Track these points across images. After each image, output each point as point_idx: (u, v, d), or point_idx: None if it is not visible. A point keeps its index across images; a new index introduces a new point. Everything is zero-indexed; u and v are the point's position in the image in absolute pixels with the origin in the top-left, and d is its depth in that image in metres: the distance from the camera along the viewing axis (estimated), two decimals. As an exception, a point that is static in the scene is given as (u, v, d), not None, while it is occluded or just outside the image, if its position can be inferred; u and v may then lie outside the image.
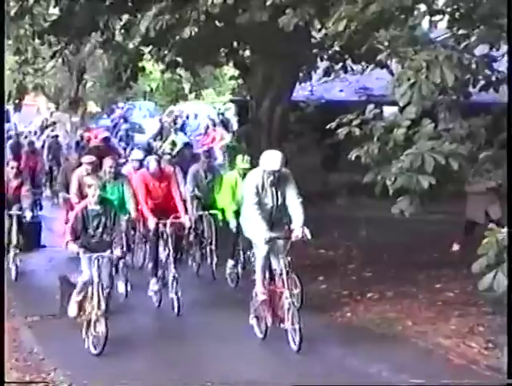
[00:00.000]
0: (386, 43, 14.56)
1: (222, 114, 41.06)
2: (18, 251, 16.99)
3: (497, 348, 11.97)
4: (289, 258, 12.65)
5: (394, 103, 13.68)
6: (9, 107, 47.23)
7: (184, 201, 16.40)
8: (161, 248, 15.46)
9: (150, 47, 22.70)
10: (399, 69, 13.76)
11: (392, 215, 12.33)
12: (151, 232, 15.58)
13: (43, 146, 30.40)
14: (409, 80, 12.40)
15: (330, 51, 22.16)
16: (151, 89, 53.90)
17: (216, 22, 17.76)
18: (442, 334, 12.76)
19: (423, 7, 13.97)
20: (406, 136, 12.82)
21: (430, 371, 11.19)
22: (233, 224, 16.17)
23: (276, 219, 12.95)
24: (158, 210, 15.47)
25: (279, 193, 12.76)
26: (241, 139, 26.58)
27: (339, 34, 14.08)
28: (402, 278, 12.42)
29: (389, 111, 14.59)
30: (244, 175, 15.17)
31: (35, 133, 35.64)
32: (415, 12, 13.55)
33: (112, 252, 12.87)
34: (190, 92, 51.61)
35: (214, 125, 39.20)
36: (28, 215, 17.11)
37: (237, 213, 15.37)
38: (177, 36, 17.07)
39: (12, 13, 19.39)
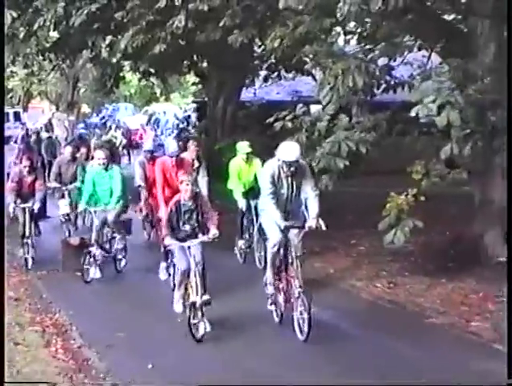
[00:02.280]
0: (311, 56, 14.70)
1: (186, 112, 40.98)
2: (29, 241, 14.18)
3: (397, 287, 12.13)
4: (301, 247, 10.30)
5: (318, 102, 13.82)
6: (19, 109, 47.18)
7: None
8: None
9: (129, 60, 22.67)
10: (321, 76, 13.90)
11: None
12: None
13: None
14: (329, 84, 12.51)
15: (268, 63, 22.26)
16: (130, 94, 53.87)
17: (180, 41, 17.71)
18: (355, 278, 12.85)
19: (338, 28, 14.09)
20: (327, 128, 12.91)
21: (347, 307, 11.23)
22: (241, 204, 13.99)
23: (291, 209, 10.39)
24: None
25: (295, 184, 10.26)
26: (202, 131, 26.55)
27: (275, 49, 14.18)
28: (326, 237, 12.45)
29: (314, 108, 14.65)
30: (247, 159, 13.91)
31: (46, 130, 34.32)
32: (333, 32, 13.64)
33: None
34: (161, 96, 51.65)
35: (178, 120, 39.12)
36: (36, 206, 14.37)
37: (245, 194, 13.88)
38: (150, 52, 17.03)
39: (21, 36, 19.24)
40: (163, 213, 11.90)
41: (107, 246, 13.69)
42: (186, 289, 10.41)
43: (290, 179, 10.23)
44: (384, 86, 13.69)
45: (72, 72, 41.12)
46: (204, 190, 13.66)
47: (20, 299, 11.96)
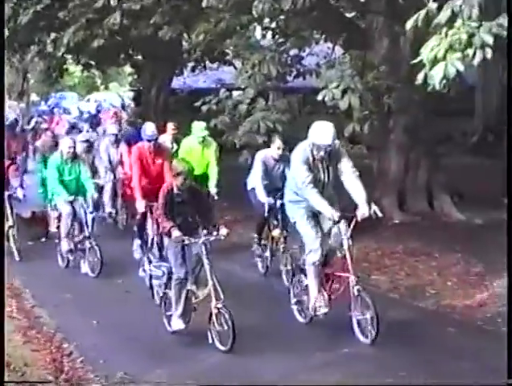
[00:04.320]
0: (232, 48, 14.69)
1: (123, 100, 40.49)
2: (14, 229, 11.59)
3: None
4: (351, 240, 7.78)
5: (239, 88, 13.85)
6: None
7: None
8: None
9: (72, 54, 22.30)
10: (241, 66, 13.93)
11: (239, 163, 12.40)
12: (138, 214, 10.47)
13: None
14: (247, 72, 12.56)
15: (195, 55, 22.15)
16: (74, 84, 52.94)
17: (117, 36, 17.46)
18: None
19: (255, 24, 14.08)
20: (247, 109, 12.94)
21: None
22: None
23: (327, 197, 7.82)
24: (150, 191, 9.99)
25: (331, 168, 7.89)
26: (138, 116, 26.32)
27: (200, 43, 14.13)
28: (248, 207, 12.43)
29: (236, 93, 14.63)
30: (203, 142, 11.84)
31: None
32: (250, 27, 13.62)
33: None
34: (101, 85, 50.89)
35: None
36: (20, 193, 11.71)
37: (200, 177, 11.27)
38: (90, 46, 16.77)
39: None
40: (141, 206, 10.06)
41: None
42: (187, 297, 7.92)
43: (325, 163, 7.85)
44: (295, 73, 13.85)
45: (21, 65, 40.26)
46: None
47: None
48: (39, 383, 7.05)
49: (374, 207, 7.81)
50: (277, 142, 10.12)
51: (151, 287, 9.12)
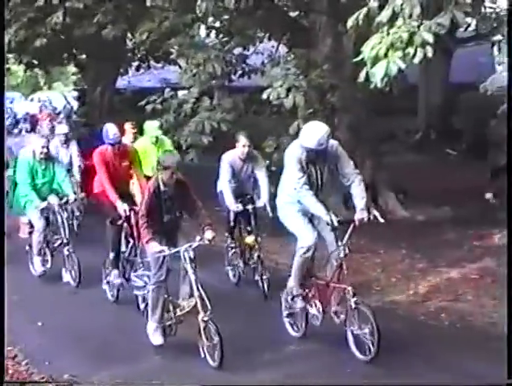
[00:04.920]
0: (176, 47, 14.63)
1: (67, 99, 40.04)
2: None
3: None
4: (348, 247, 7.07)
5: (183, 87, 13.81)
6: None
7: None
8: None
9: (13, 53, 21.96)
10: (185, 65, 13.89)
11: (187, 163, 12.33)
12: (114, 219, 9.09)
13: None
14: (192, 71, 12.54)
15: (139, 54, 22.02)
16: (17, 84, 52.21)
17: (60, 35, 17.26)
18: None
19: (200, 23, 14.06)
20: (192, 109, 12.92)
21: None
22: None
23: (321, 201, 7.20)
24: (119, 194, 9.08)
25: (325, 172, 7.28)
26: (83, 116, 26.05)
27: (144, 41, 14.08)
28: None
29: (181, 93, 14.59)
30: (156, 142, 11.06)
31: None
32: (195, 26, 13.60)
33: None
34: (44, 85, 50.24)
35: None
36: None
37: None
38: (32, 45, 16.54)
39: None
40: (125, 210, 8.85)
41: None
42: (163, 308, 7.39)
43: (318, 166, 7.25)
44: (240, 72, 13.88)
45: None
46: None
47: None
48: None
49: (375, 212, 7.19)
50: (242, 140, 9.30)
51: (136, 298, 8.28)
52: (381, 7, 7.13)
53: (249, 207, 9.17)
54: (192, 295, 7.10)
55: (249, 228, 9.32)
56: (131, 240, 9.05)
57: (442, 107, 19.39)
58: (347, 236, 7.06)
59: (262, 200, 9.15)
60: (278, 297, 7.89)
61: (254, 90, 13.48)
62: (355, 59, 7.35)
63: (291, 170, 7.22)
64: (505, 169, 12.82)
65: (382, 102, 13.79)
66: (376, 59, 6.85)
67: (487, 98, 16.92)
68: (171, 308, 7.37)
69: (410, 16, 6.83)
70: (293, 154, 7.23)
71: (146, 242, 7.21)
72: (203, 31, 14.55)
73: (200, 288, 6.97)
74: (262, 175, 9.33)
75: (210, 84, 13.01)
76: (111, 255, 9.18)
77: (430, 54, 6.71)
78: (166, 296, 7.37)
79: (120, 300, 9.06)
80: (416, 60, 6.77)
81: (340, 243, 7.07)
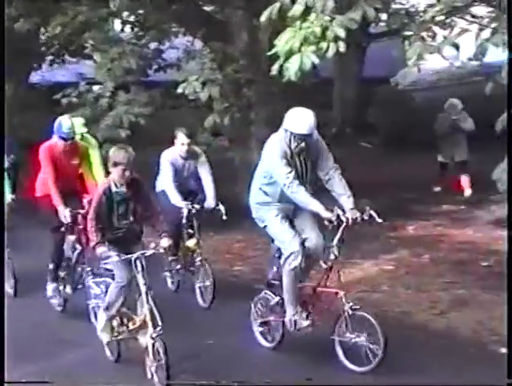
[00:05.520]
0: (91, 42, 14.43)
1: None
2: None
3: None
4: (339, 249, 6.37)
5: (99, 82, 13.65)
6: None
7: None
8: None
9: None
10: (100, 59, 13.71)
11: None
12: (55, 226, 8.09)
13: None
14: (106, 66, 12.40)
15: (53, 48, 21.62)
16: None
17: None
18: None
19: (114, 18, 13.89)
20: (109, 103, 12.79)
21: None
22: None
23: None
24: (64, 196, 8.01)
25: (309, 164, 6.55)
26: None
27: (57, 35, 13.84)
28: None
29: (96, 87, 14.40)
30: (81, 139, 9.32)
31: None
32: (109, 20, 13.45)
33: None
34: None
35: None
36: None
37: None
38: None
39: None
40: (66, 216, 7.84)
41: None
42: (118, 315, 6.71)
43: (302, 158, 6.51)
44: (156, 67, 13.80)
45: None
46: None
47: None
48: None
49: (371, 212, 6.35)
50: (180, 138, 8.64)
51: (87, 309, 7.59)
52: (294, 1, 7.15)
53: (194, 207, 8.40)
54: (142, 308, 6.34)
55: (191, 231, 8.59)
56: (79, 247, 8.10)
57: (356, 101, 19.66)
58: (338, 237, 6.31)
59: (211, 201, 8.49)
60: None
61: (171, 84, 13.44)
62: (269, 53, 7.35)
63: (277, 165, 6.39)
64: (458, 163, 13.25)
65: (298, 96, 13.85)
66: (289, 54, 6.86)
67: (399, 92, 17.31)
68: (125, 321, 6.68)
69: (323, 11, 6.86)
70: (277, 147, 6.44)
71: (93, 247, 6.40)
72: (117, 26, 14.39)
73: (150, 301, 6.21)
74: (205, 173, 8.69)
75: (126, 79, 12.90)
76: (50, 266, 8.28)
77: (342, 48, 6.76)
78: (122, 305, 6.63)
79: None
80: (329, 55, 6.80)
81: (331, 243, 6.36)
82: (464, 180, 13.21)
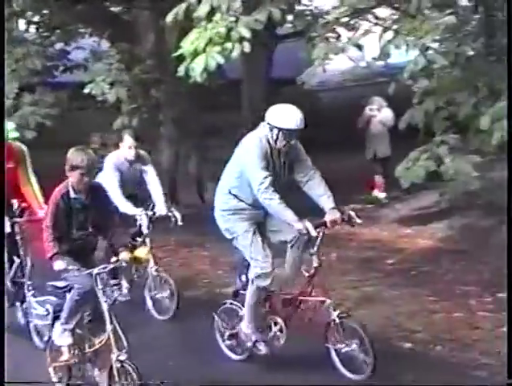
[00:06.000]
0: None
1: None
2: None
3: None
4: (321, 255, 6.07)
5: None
6: None
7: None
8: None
9: None
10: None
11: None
12: None
13: None
14: (11, 66, 12.09)
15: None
16: None
17: None
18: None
19: (18, 18, 13.55)
20: (14, 104, 12.49)
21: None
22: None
23: None
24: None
25: (287, 167, 6.10)
26: None
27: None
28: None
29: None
30: None
31: None
32: (13, 20, 13.09)
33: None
34: None
35: None
36: None
37: None
38: None
39: None
40: (6, 225, 7.09)
41: None
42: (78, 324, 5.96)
43: (282, 159, 6.06)
44: (62, 68, 13.56)
45: None
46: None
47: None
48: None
49: (350, 212, 6.02)
50: (127, 141, 8.04)
51: (28, 328, 6.95)
52: (200, 2, 7.11)
53: (146, 213, 7.79)
54: (104, 329, 5.61)
55: (139, 239, 7.94)
56: (17, 259, 7.37)
57: (264, 101, 19.71)
58: (318, 242, 5.91)
59: (162, 207, 7.91)
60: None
61: (78, 85, 13.21)
62: (175, 54, 7.30)
63: (254, 167, 5.86)
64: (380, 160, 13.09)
65: (207, 97, 13.83)
66: (195, 54, 6.84)
67: (306, 92, 17.43)
68: (80, 342, 5.97)
69: (228, 11, 6.84)
70: (257, 147, 5.93)
71: (50, 258, 5.71)
72: (22, 26, 14.03)
73: (114, 320, 5.55)
74: (152, 178, 8.13)
75: (31, 80, 12.62)
76: None
77: (247, 49, 6.77)
78: (84, 311, 5.96)
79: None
80: (234, 55, 6.82)
81: (312, 250, 5.95)
82: (378, 181, 13.02)
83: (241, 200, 6.08)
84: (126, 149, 8.02)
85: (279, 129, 5.88)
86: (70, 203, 5.78)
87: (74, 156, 5.80)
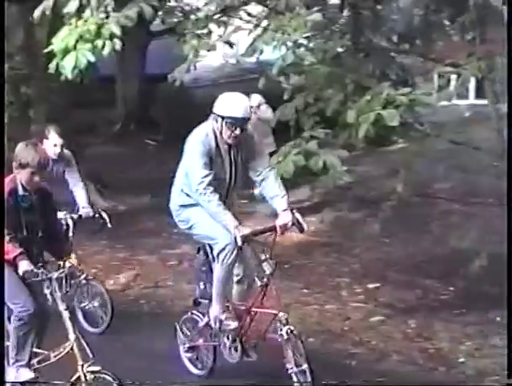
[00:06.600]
0: None
1: None
2: None
3: None
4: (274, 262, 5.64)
5: None
6: None
7: None
8: None
9: None
10: None
11: None
12: None
13: None
14: None
15: None
16: None
17: None
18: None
19: None
20: None
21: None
22: None
23: (229, 206, 5.78)
24: None
25: (239, 163, 5.81)
26: None
27: None
28: None
29: None
30: None
31: None
32: None
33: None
34: None
35: None
36: None
37: None
38: None
39: None
40: None
41: None
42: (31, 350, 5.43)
43: (233, 155, 5.77)
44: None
45: None
46: None
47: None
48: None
49: (298, 216, 5.65)
50: (53, 137, 7.45)
51: None
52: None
53: (71, 217, 7.18)
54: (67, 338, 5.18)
55: None
56: None
57: (139, 98, 19.56)
58: (270, 249, 5.59)
59: (87, 208, 7.38)
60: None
61: None
62: (45, 51, 7.14)
63: (194, 164, 5.59)
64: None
65: (81, 93, 13.60)
66: (65, 51, 6.71)
67: (180, 89, 17.39)
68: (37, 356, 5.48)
69: (98, 7, 6.74)
70: (200, 143, 5.65)
71: (14, 258, 5.15)
72: None
73: (76, 330, 5.19)
74: (75, 178, 7.58)
75: None
76: None
77: (118, 46, 6.69)
78: (34, 337, 5.39)
79: None
80: (105, 52, 6.72)
81: (263, 257, 5.59)
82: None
83: (193, 198, 5.78)
84: (51, 146, 7.38)
85: (223, 118, 5.62)
86: (18, 201, 5.32)
87: (23, 153, 5.32)
